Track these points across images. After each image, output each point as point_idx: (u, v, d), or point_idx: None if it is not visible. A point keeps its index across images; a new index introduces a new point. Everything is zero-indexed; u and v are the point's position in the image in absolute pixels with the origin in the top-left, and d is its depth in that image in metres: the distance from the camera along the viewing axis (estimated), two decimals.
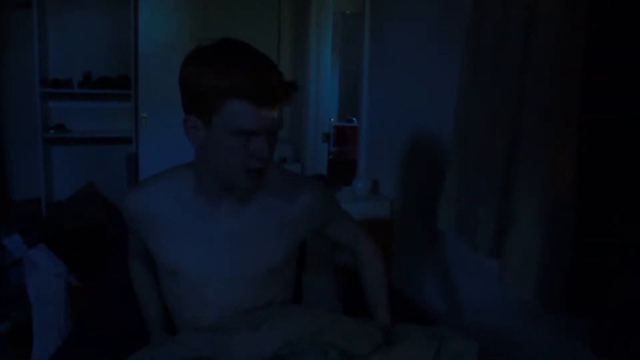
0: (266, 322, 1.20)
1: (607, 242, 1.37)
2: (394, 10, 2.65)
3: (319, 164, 3.98)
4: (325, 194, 1.39)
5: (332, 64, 4.16)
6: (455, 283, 2.13)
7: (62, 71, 4.30)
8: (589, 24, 1.31)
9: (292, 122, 4.37)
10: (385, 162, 2.75)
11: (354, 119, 4.59)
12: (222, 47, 1.15)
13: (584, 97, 1.34)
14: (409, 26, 2.50)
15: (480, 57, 1.67)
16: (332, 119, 4.61)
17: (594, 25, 1.32)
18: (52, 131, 4.28)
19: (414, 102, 2.44)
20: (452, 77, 1.85)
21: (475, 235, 1.66)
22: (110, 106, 4.49)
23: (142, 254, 1.46)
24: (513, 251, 1.48)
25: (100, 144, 4.55)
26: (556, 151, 1.38)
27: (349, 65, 4.57)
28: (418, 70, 2.41)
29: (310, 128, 3.95)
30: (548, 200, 1.40)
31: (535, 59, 1.42)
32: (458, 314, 2.09)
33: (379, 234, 2.53)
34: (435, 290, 2.27)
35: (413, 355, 1.20)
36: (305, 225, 1.34)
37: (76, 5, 4.35)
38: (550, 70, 1.37)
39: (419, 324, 1.38)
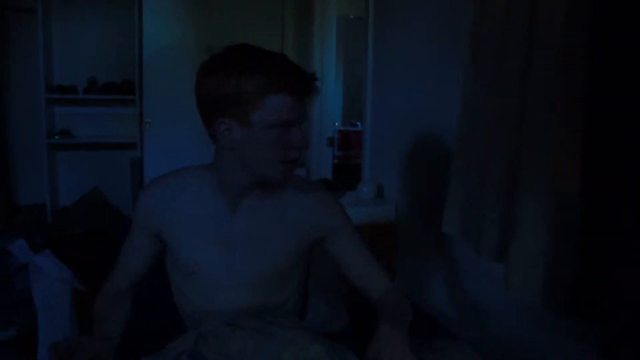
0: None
1: (613, 244, 1.37)
2: (398, 15, 2.65)
3: (324, 168, 3.98)
4: (337, 203, 1.40)
5: (335, 68, 4.16)
6: (460, 287, 2.12)
7: (67, 77, 4.31)
8: (592, 24, 1.31)
9: None
10: (389, 166, 2.75)
11: (358, 123, 4.59)
12: (243, 50, 1.21)
13: (588, 100, 1.33)
14: (413, 30, 2.50)
15: (482, 61, 1.67)
16: (337, 123, 4.60)
17: (596, 26, 1.32)
18: (57, 137, 4.29)
19: (418, 106, 2.44)
20: (456, 81, 1.85)
21: (480, 239, 1.65)
22: (114, 111, 4.50)
23: (126, 286, 1.46)
24: (518, 255, 1.47)
25: (104, 149, 4.56)
26: (560, 155, 1.37)
27: (352, 70, 4.56)
28: (422, 74, 2.41)
29: (315, 132, 3.95)
30: (553, 203, 1.39)
31: (537, 63, 1.42)
32: (463, 318, 2.08)
33: (384, 238, 2.53)
34: (440, 295, 2.27)
35: None
36: (313, 231, 1.35)
37: (81, 11, 4.37)
38: (554, 73, 1.36)
39: (423, 330, 1.37)
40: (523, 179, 1.47)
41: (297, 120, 1.18)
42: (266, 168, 1.21)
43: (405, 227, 2.57)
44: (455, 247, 2.10)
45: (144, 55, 3.86)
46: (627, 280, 1.28)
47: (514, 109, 1.51)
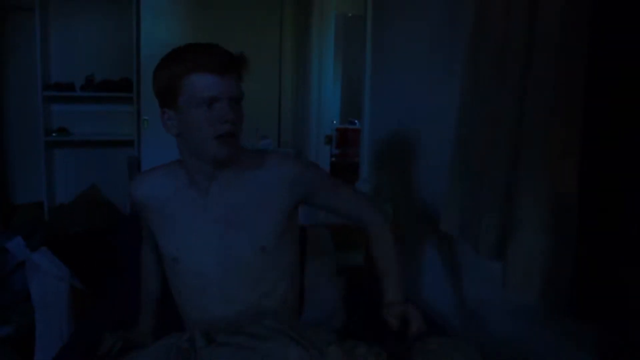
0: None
1: (612, 245, 1.37)
2: (396, 13, 2.65)
3: (321, 166, 3.97)
4: (301, 162, 1.48)
5: (334, 66, 4.16)
6: (458, 286, 2.12)
7: (64, 74, 4.31)
8: (592, 26, 1.31)
9: (294, 125, 4.37)
10: (387, 165, 2.75)
11: (356, 121, 4.59)
12: (181, 46, 1.32)
13: (587, 101, 1.33)
14: (411, 29, 2.50)
15: (481, 60, 1.67)
16: (334, 122, 4.60)
17: (596, 27, 1.32)
18: (54, 134, 4.28)
19: (416, 105, 2.44)
20: (455, 80, 1.84)
21: (478, 239, 1.65)
22: (112, 109, 4.49)
23: (154, 243, 1.55)
24: (517, 255, 1.47)
25: (102, 147, 4.55)
26: (559, 155, 1.37)
27: (351, 68, 4.56)
28: (420, 72, 2.41)
29: (312, 131, 3.95)
30: (552, 204, 1.39)
31: (537, 63, 1.41)
32: (461, 318, 2.08)
33: None
34: (438, 294, 2.27)
35: None
36: (288, 197, 1.40)
37: (78, 8, 4.36)
38: (553, 73, 1.36)
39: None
40: (522, 179, 1.47)
41: (222, 96, 1.24)
42: (203, 147, 1.28)
43: (402, 226, 2.56)
44: (453, 246, 2.10)
45: (141, 53, 3.86)
46: (626, 281, 1.29)
47: (513, 109, 1.51)
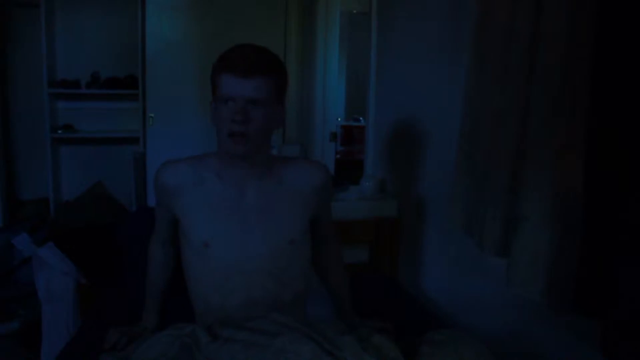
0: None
1: (616, 242, 1.37)
2: (402, 10, 2.65)
3: (326, 164, 3.98)
4: (329, 174, 1.57)
5: (339, 63, 4.16)
6: (462, 283, 2.13)
7: (70, 71, 4.32)
8: (598, 21, 1.31)
9: (299, 122, 4.37)
10: (392, 161, 2.75)
11: (361, 118, 4.59)
12: (231, 47, 1.38)
13: (592, 97, 1.33)
14: (417, 25, 2.50)
15: (486, 57, 1.66)
16: (339, 119, 4.60)
17: (602, 23, 1.31)
18: (60, 131, 4.30)
19: (421, 101, 2.44)
20: (460, 76, 1.84)
21: (482, 235, 1.65)
22: (118, 106, 4.50)
23: (166, 238, 1.60)
24: (521, 251, 1.48)
25: (108, 144, 4.56)
26: (564, 151, 1.37)
27: (356, 65, 4.56)
28: (425, 69, 2.41)
29: (318, 128, 3.95)
30: (556, 200, 1.39)
31: (542, 58, 1.41)
32: (465, 314, 2.09)
33: (387, 233, 2.53)
34: (442, 290, 2.27)
35: None
36: (316, 200, 1.52)
37: (84, 5, 4.36)
38: (559, 69, 1.36)
39: (426, 325, 1.38)
40: (527, 175, 1.47)
41: (236, 96, 1.31)
42: (220, 141, 1.37)
43: (407, 222, 2.57)
44: (458, 243, 2.10)
45: (147, 50, 3.86)
46: (629, 278, 1.29)
47: (518, 106, 1.50)
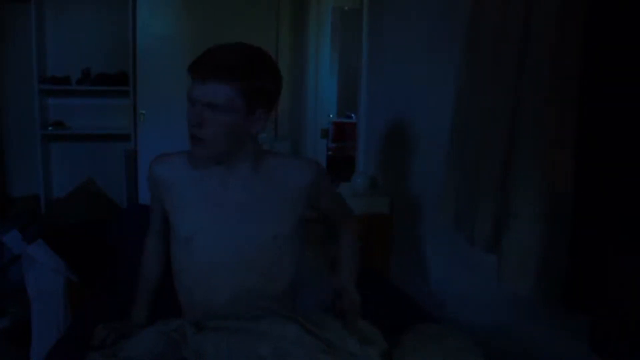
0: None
1: (605, 237, 1.38)
2: (393, 6, 2.65)
3: (318, 160, 3.97)
4: (319, 172, 1.52)
5: (330, 60, 4.15)
6: (453, 279, 2.13)
7: (61, 68, 4.29)
8: (587, 19, 1.31)
9: (290, 119, 4.36)
10: (384, 158, 2.76)
11: (352, 115, 4.59)
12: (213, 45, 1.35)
13: (582, 93, 1.34)
14: (408, 22, 2.50)
15: (477, 54, 1.67)
16: (331, 115, 4.60)
17: (591, 21, 1.32)
18: (50, 128, 4.27)
19: (413, 98, 2.44)
20: (451, 72, 1.85)
21: (473, 231, 1.66)
22: (108, 103, 4.47)
23: (160, 230, 1.60)
24: (511, 247, 1.48)
25: (98, 140, 4.54)
26: (554, 147, 1.38)
27: (347, 61, 4.55)
28: (417, 66, 2.41)
29: (309, 124, 3.94)
30: (546, 195, 1.40)
31: (532, 56, 1.42)
32: (456, 309, 2.09)
33: (378, 230, 2.54)
34: (433, 286, 2.28)
35: None
36: (304, 199, 1.48)
37: (74, 1, 4.33)
38: (548, 66, 1.37)
39: (416, 320, 1.39)
40: (517, 172, 1.48)
41: (195, 100, 1.28)
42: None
43: (399, 219, 2.57)
44: (449, 239, 2.10)
45: (138, 47, 3.85)
46: (618, 273, 1.29)
47: (509, 102, 1.51)
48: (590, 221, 1.40)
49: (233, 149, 1.37)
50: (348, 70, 4.52)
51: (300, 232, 1.54)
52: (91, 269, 2.28)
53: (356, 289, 1.49)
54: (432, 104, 2.24)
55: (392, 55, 2.67)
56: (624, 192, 1.32)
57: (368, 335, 1.26)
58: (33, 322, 2.09)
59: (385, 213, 2.62)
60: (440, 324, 1.49)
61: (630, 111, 1.30)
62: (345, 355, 1.21)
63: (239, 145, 1.37)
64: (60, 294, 2.10)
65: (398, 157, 2.56)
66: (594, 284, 1.36)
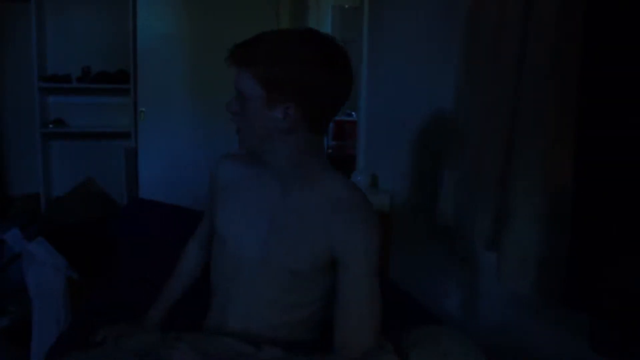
0: None
1: (605, 235, 1.38)
2: (393, 4, 2.65)
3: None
4: (374, 236, 1.26)
5: None
6: (452, 277, 2.13)
7: (61, 66, 4.29)
8: (586, 15, 1.31)
9: None
10: (384, 156, 2.76)
11: (352, 113, 4.59)
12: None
13: (582, 90, 1.34)
14: (409, 20, 2.49)
15: (477, 51, 1.67)
16: None
17: (591, 17, 1.32)
18: (50, 126, 4.28)
19: (413, 96, 2.44)
20: (452, 70, 1.85)
21: (473, 230, 1.66)
22: (108, 101, 4.48)
23: (204, 239, 1.53)
24: (511, 245, 1.48)
25: (99, 138, 4.54)
26: (554, 145, 1.38)
27: None
28: (417, 63, 2.41)
29: None
30: (546, 194, 1.40)
31: (531, 53, 1.42)
32: (455, 308, 2.09)
33: None
34: (433, 285, 2.28)
35: None
36: (330, 245, 1.25)
37: (74, 0, 4.34)
38: (548, 64, 1.37)
39: (416, 320, 1.38)
40: (516, 169, 1.48)
41: (236, 88, 1.21)
42: None
43: (399, 217, 2.57)
44: (449, 237, 2.10)
45: (138, 44, 3.84)
46: (617, 271, 1.30)
47: (508, 100, 1.51)
48: (591, 220, 1.40)
49: (266, 145, 1.24)
50: None
51: (326, 270, 1.30)
52: (91, 266, 2.29)
53: None
54: (432, 102, 2.24)
55: (392, 53, 2.67)
56: (625, 191, 1.32)
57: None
58: (33, 321, 2.09)
59: (385, 211, 2.61)
60: (440, 324, 1.49)
61: (630, 109, 1.30)
62: None
63: (271, 142, 1.23)
64: (61, 292, 2.11)
65: (398, 155, 2.56)
66: (594, 282, 1.36)
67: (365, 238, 1.24)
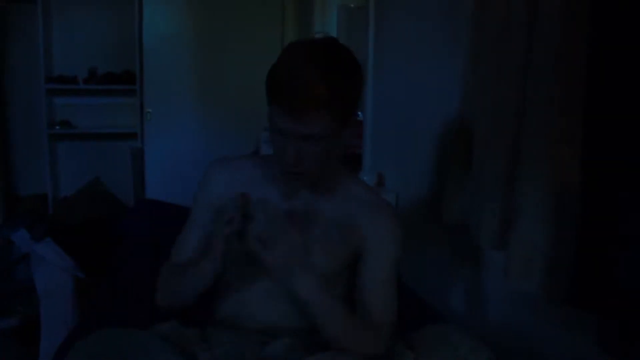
0: None
1: (613, 234, 1.37)
2: (399, 3, 2.65)
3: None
4: (399, 231, 1.35)
5: None
6: (459, 276, 2.13)
7: (67, 67, 4.31)
8: (592, 14, 1.31)
9: None
10: (390, 155, 2.75)
11: (359, 113, 4.58)
12: (292, 48, 1.17)
13: (588, 90, 1.33)
14: (414, 19, 2.49)
15: (483, 50, 1.67)
16: None
17: (597, 16, 1.31)
18: (57, 127, 4.30)
19: (419, 96, 2.44)
20: (458, 69, 1.84)
21: (480, 229, 1.65)
22: (115, 102, 4.50)
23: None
24: (518, 244, 1.48)
25: (105, 139, 4.56)
26: (561, 144, 1.37)
27: None
28: (422, 63, 2.40)
29: None
30: (553, 193, 1.39)
31: (538, 52, 1.41)
32: (462, 307, 2.09)
33: None
34: (440, 284, 2.27)
35: None
36: (358, 247, 1.30)
37: (80, 1, 4.36)
38: (554, 62, 1.36)
39: (425, 319, 1.38)
40: (523, 168, 1.47)
41: (288, 133, 1.12)
42: (277, 168, 1.22)
43: (405, 216, 2.57)
44: (455, 236, 2.10)
45: (144, 45, 3.86)
46: (625, 270, 1.29)
47: (515, 99, 1.51)
48: (598, 218, 1.40)
49: (325, 171, 1.25)
50: None
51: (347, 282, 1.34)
52: (98, 266, 2.30)
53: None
54: (439, 100, 2.23)
55: (398, 53, 2.66)
56: (632, 190, 1.31)
57: None
58: (41, 320, 2.11)
59: None
60: (448, 323, 1.48)
61: (637, 107, 1.30)
62: None
63: (332, 164, 1.26)
64: (69, 292, 2.12)
65: (404, 154, 2.56)
66: (602, 281, 1.35)
67: (390, 227, 1.34)
